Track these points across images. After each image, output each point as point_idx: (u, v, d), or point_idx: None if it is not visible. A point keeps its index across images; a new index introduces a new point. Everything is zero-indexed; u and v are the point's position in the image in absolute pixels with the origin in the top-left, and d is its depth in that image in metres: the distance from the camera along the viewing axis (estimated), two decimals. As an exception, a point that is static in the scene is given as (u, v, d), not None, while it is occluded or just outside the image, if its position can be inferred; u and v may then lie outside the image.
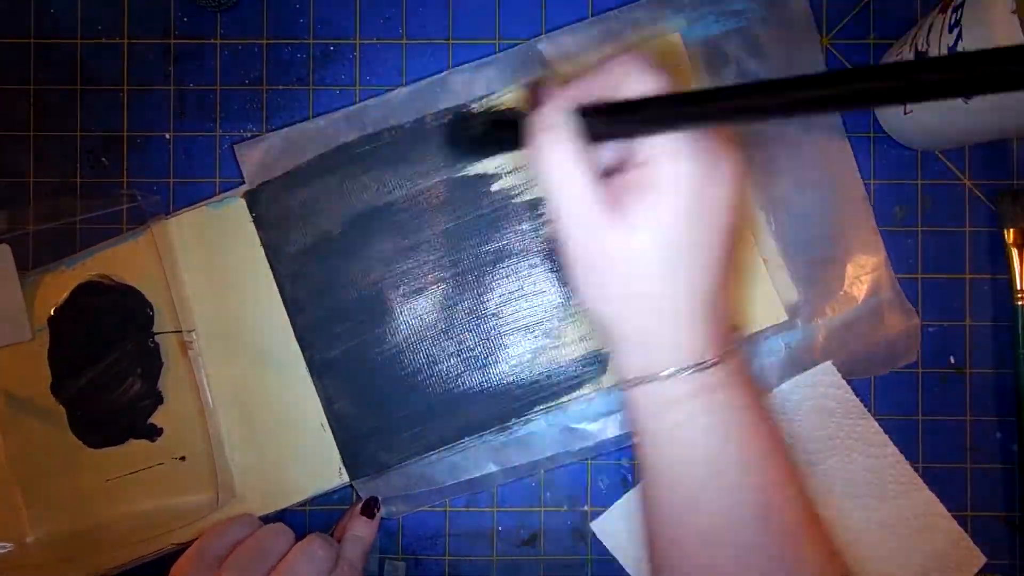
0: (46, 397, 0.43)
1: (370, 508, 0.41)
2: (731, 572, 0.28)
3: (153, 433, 0.43)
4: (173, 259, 0.43)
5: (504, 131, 0.32)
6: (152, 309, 0.43)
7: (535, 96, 0.29)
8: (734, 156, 0.27)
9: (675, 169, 0.26)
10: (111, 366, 0.43)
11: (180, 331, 0.42)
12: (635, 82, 0.27)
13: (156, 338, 0.43)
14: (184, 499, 0.43)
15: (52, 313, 0.43)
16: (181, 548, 0.39)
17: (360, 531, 0.40)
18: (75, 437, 0.43)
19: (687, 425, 0.28)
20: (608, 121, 0.27)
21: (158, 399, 0.43)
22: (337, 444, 0.43)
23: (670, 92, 0.26)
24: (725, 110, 0.24)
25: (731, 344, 0.29)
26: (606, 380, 0.42)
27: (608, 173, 0.28)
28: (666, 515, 0.29)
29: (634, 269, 0.27)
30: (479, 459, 0.43)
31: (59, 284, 0.43)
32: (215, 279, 0.43)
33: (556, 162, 0.27)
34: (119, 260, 0.43)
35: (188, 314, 0.43)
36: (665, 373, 0.28)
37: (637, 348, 0.29)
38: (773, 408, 0.31)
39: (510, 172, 0.43)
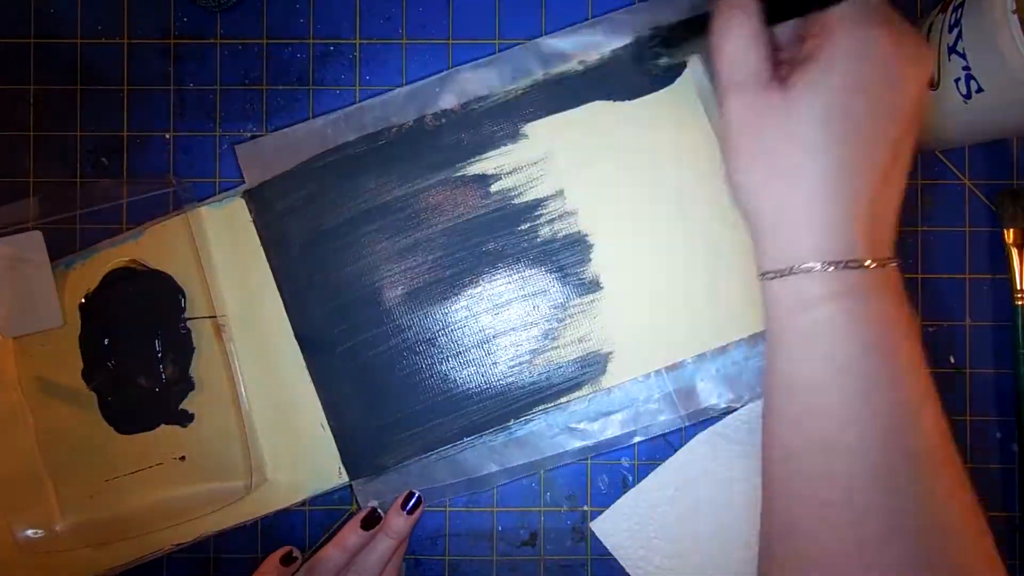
0: (77, 383, 0.43)
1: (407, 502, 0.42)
2: (847, 485, 0.26)
3: (184, 419, 0.43)
4: (206, 244, 0.43)
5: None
6: (183, 295, 0.43)
7: None
8: (923, 45, 0.26)
9: (854, 34, 0.25)
10: (142, 352, 0.43)
11: (214, 316, 0.42)
12: None
13: (187, 323, 0.43)
14: (216, 484, 0.43)
15: (83, 299, 0.43)
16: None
17: (396, 527, 0.41)
18: (106, 423, 0.43)
19: (825, 327, 0.26)
20: None
21: (189, 385, 0.43)
22: (337, 444, 0.43)
23: None
24: None
25: (886, 252, 0.27)
26: (606, 381, 0.42)
27: (783, 49, 0.28)
28: (787, 421, 0.27)
29: (788, 145, 0.26)
30: (479, 459, 0.43)
31: (91, 270, 0.43)
32: (214, 278, 0.43)
33: (729, 37, 0.27)
34: (150, 246, 0.43)
35: (220, 299, 0.43)
36: (807, 265, 0.26)
37: (782, 231, 0.27)
38: (919, 332, 0.29)
39: (510, 173, 0.43)
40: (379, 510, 0.42)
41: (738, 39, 0.27)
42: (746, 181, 0.28)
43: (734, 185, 0.29)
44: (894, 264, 0.27)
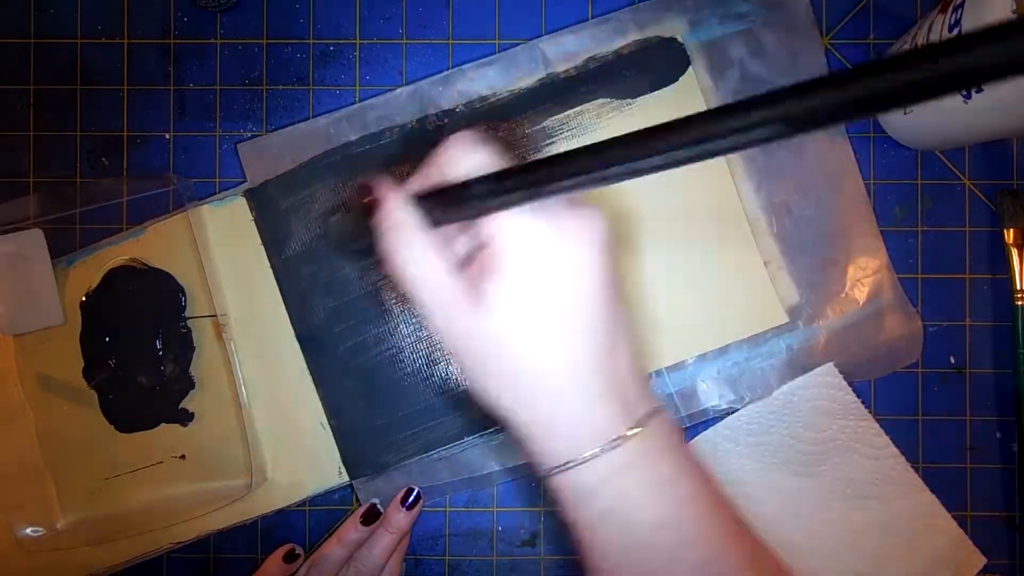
0: (78, 381, 0.43)
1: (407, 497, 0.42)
2: None
3: (185, 418, 0.43)
4: (207, 243, 0.43)
5: (357, 240, 0.31)
6: (184, 293, 0.43)
7: (372, 197, 0.27)
8: (584, 212, 0.25)
9: (514, 241, 0.25)
10: (143, 350, 0.43)
11: (214, 315, 0.42)
12: (464, 161, 0.26)
13: (188, 322, 0.43)
14: (216, 483, 0.43)
15: (84, 298, 0.43)
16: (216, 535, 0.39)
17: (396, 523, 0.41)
18: (107, 421, 0.43)
19: (619, 508, 0.25)
20: (442, 205, 0.26)
21: (190, 384, 0.43)
22: (337, 444, 0.43)
23: (502, 168, 0.25)
24: (555, 176, 0.22)
25: (644, 404, 0.26)
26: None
27: (467, 260, 0.27)
28: None
29: (511, 352, 0.25)
30: (480, 459, 0.43)
31: (91, 269, 0.43)
32: (214, 277, 0.43)
33: (408, 258, 0.26)
34: (151, 245, 0.43)
35: (221, 299, 0.43)
36: (583, 457, 0.25)
37: (545, 435, 0.26)
38: (701, 461, 0.28)
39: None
40: (379, 506, 0.42)
41: (415, 260, 0.26)
42: (490, 401, 0.27)
43: (486, 404, 0.27)
44: (654, 405, 0.27)
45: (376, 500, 0.43)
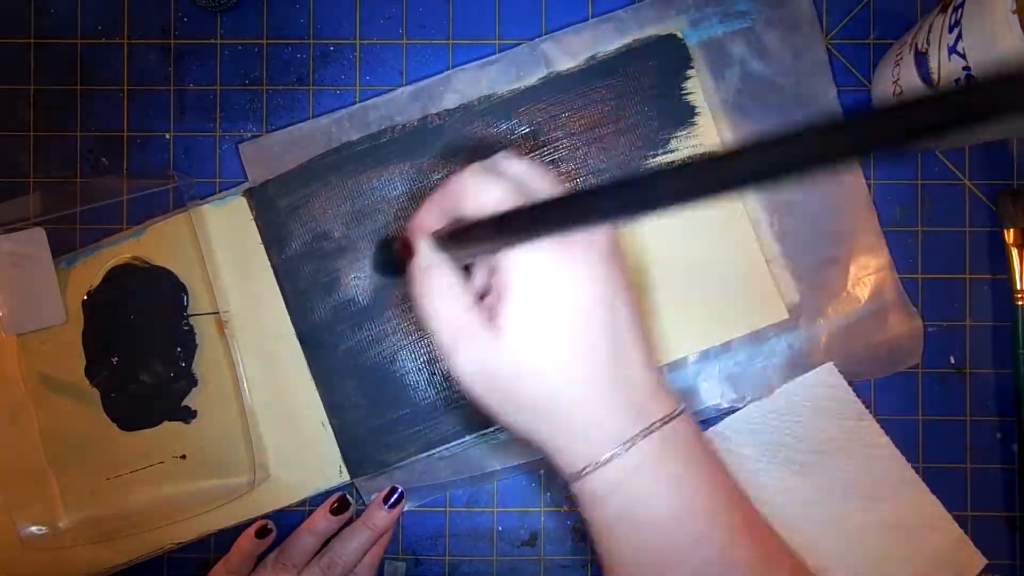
0: (80, 380, 0.43)
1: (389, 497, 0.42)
2: None
3: (187, 416, 0.43)
4: (208, 241, 0.43)
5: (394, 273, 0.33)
6: (186, 291, 0.43)
7: (403, 243, 0.29)
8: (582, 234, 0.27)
9: (518, 263, 0.26)
10: (145, 348, 0.43)
11: (216, 312, 0.42)
12: (479, 196, 0.27)
13: (190, 320, 0.43)
14: (219, 481, 0.43)
15: (86, 296, 0.43)
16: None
17: (375, 520, 0.42)
18: (109, 420, 0.43)
19: (632, 508, 0.26)
20: (460, 243, 0.27)
21: (192, 381, 0.43)
22: (338, 442, 0.43)
23: (514, 208, 0.26)
24: (563, 216, 0.23)
25: (658, 405, 0.27)
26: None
27: (485, 290, 0.28)
28: None
29: (527, 372, 0.26)
30: (481, 458, 0.43)
31: (93, 267, 0.43)
32: (216, 275, 0.43)
33: (429, 302, 0.28)
34: (153, 243, 0.43)
35: (223, 296, 0.43)
36: (605, 456, 0.26)
37: (565, 446, 0.27)
38: (718, 453, 0.29)
39: (510, 172, 0.43)
40: (349, 497, 0.42)
41: (437, 299, 0.28)
42: (515, 425, 0.28)
43: (506, 426, 0.28)
44: (680, 408, 0.28)
45: (345, 492, 0.43)
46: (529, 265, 0.26)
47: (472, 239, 0.27)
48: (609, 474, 0.26)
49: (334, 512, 0.42)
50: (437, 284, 0.28)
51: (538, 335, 0.26)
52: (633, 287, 0.28)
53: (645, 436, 0.26)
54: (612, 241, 0.28)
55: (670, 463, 0.27)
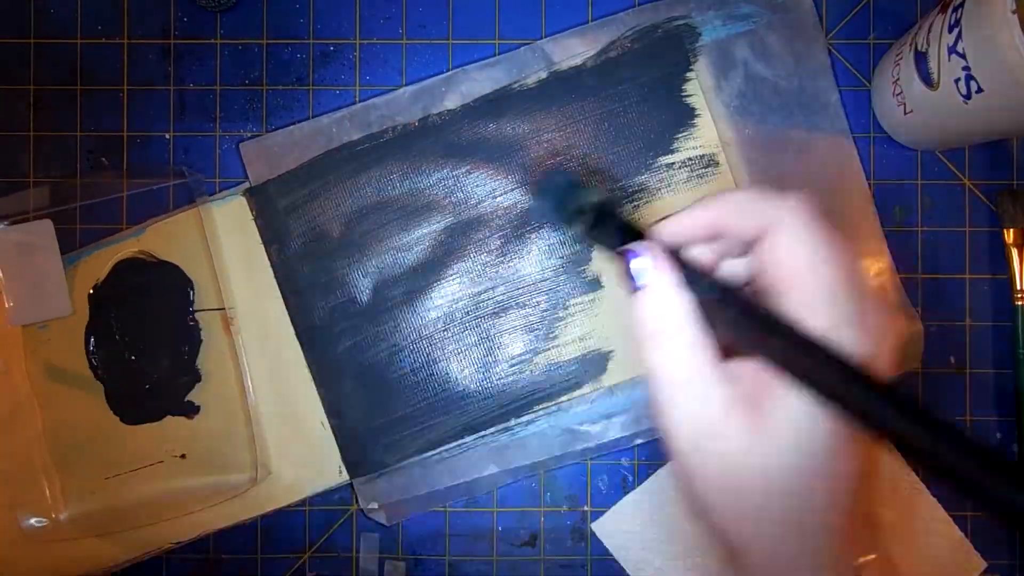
0: (85, 373, 0.43)
1: None
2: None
3: (190, 410, 0.43)
4: (215, 238, 0.43)
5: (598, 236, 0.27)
6: (192, 286, 0.43)
7: (630, 250, 0.24)
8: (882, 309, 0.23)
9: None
10: (150, 343, 0.43)
11: (222, 308, 0.42)
12: (746, 220, 0.22)
13: (196, 315, 0.43)
14: (221, 477, 0.43)
15: (92, 289, 0.43)
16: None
17: None
18: (113, 413, 0.43)
19: None
20: (723, 307, 0.22)
21: (196, 376, 0.43)
22: (337, 443, 0.43)
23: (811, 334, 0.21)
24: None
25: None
26: (606, 379, 0.42)
27: (727, 350, 0.23)
28: None
29: (775, 482, 0.21)
30: (480, 460, 0.43)
31: (100, 261, 0.43)
32: (223, 271, 0.43)
33: (668, 351, 0.22)
34: (160, 238, 0.43)
35: (229, 292, 0.43)
36: None
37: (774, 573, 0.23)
38: None
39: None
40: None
41: (675, 356, 0.22)
42: (725, 526, 0.23)
43: (714, 525, 0.23)
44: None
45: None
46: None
47: (758, 336, 0.21)
48: None
49: None
50: (677, 339, 0.22)
51: (811, 441, 0.21)
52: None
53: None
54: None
55: None
